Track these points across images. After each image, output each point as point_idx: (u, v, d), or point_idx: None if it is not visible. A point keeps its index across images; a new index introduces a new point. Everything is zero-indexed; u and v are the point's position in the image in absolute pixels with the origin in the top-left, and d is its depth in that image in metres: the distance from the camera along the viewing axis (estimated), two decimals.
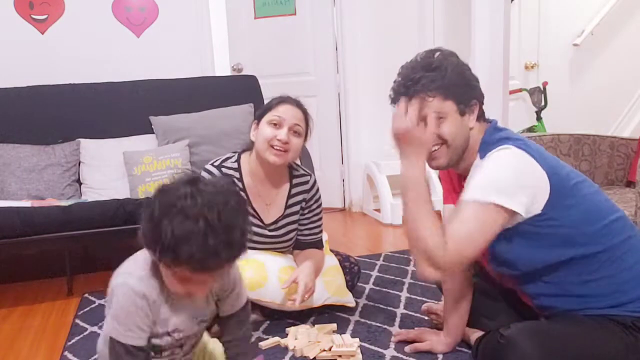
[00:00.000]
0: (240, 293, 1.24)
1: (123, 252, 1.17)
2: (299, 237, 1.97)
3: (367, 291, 2.16)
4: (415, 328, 1.74)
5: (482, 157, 1.32)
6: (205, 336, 1.36)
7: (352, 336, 1.73)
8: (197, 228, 0.93)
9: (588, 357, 1.23)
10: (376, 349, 1.65)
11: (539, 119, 4.03)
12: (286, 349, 1.69)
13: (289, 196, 1.92)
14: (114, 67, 3.15)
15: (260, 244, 1.89)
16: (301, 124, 1.81)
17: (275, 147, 1.76)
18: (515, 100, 4.02)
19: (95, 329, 1.91)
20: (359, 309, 1.98)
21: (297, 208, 1.93)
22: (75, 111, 2.83)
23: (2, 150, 2.60)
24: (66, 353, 1.74)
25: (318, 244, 1.99)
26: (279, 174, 1.89)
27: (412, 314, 1.91)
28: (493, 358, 1.29)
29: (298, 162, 2.03)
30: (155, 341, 1.11)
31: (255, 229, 1.87)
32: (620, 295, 1.27)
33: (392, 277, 2.32)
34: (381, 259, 2.59)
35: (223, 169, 1.84)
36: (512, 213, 1.23)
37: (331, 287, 1.90)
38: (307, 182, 1.95)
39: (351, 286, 2.02)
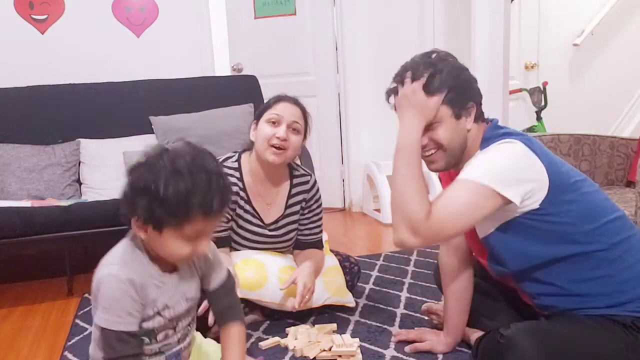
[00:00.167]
0: (220, 261, 1.26)
1: None
2: (299, 237, 1.97)
3: (367, 291, 2.16)
4: (415, 328, 1.74)
5: (483, 150, 1.33)
6: (199, 337, 1.36)
7: (352, 336, 1.73)
8: (198, 177, 1.00)
9: (588, 356, 1.23)
10: (376, 349, 1.65)
11: (539, 119, 4.03)
12: (286, 349, 1.69)
13: (289, 196, 1.92)
14: (114, 67, 3.15)
15: (260, 244, 1.89)
16: (300, 122, 1.81)
17: (274, 146, 1.76)
18: (515, 100, 4.02)
19: None
20: (359, 309, 1.98)
21: (297, 208, 1.93)
22: (75, 111, 2.83)
23: (2, 150, 2.60)
24: (66, 353, 1.74)
25: (318, 244, 1.99)
26: (279, 173, 1.89)
27: (412, 314, 1.91)
28: (493, 358, 1.29)
29: (298, 161, 2.03)
30: (147, 325, 1.11)
31: (255, 228, 1.87)
32: (620, 295, 1.27)
33: (392, 277, 2.32)
34: (381, 259, 2.59)
35: (223, 169, 1.84)
36: (506, 202, 1.23)
37: (331, 287, 1.90)
38: (307, 182, 1.95)
39: (351, 286, 2.02)
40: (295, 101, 1.84)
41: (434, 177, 3.07)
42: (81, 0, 3.17)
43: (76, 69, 3.08)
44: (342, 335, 1.72)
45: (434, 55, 1.36)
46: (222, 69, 3.73)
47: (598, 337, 1.24)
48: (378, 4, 3.62)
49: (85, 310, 2.09)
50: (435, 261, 1.74)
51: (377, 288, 2.20)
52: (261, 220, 1.88)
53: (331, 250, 2.09)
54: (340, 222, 3.58)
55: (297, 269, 1.83)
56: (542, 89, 4.00)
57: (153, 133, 2.87)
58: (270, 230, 1.90)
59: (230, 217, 1.84)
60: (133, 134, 2.85)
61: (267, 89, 3.05)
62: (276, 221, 1.90)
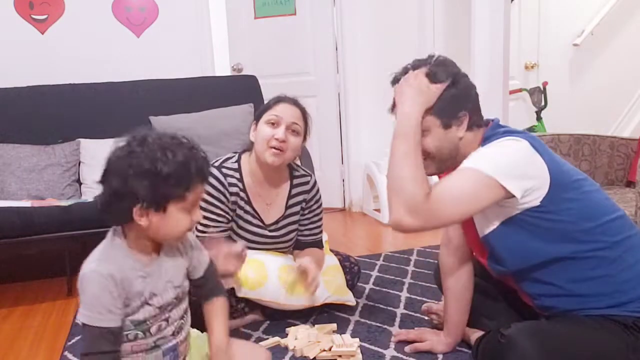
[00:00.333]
0: (201, 246, 1.28)
1: None
2: (299, 237, 1.97)
3: (367, 291, 2.16)
4: (415, 328, 1.74)
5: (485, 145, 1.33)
6: (196, 332, 1.35)
7: (352, 336, 1.73)
8: (185, 149, 1.07)
9: (588, 356, 1.23)
10: (376, 349, 1.65)
11: (539, 119, 4.03)
12: (286, 349, 1.69)
13: (289, 196, 1.92)
14: (114, 67, 3.15)
15: (260, 244, 1.89)
16: (299, 123, 1.81)
17: (273, 147, 1.76)
18: (515, 100, 4.02)
19: None
20: (359, 309, 1.98)
21: (297, 208, 1.93)
22: (75, 111, 2.83)
23: (2, 150, 2.60)
24: (66, 353, 1.74)
25: (318, 244, 1.99)
26: (279, 174, 1.89)
27: (412, 314, 1.91)
28: (493, 358, 1.29)
29: (298, 162, 2.03)
30: (138, 317, 1.11)
31: (255, 229, 1.87)
32: (620, 295, 1.27)
33: (392, 277, 2.32)
34: (381, 259, 2.59)
35: (223, 169, 1.84)
36: (507, 196, 1.23)
37: (331, 286, 1.90)
38: (307, 183, 1.95)
39: (351, 286, 2.02)
40: (295, 102, 1.84)
41: (434, 177, 3.07)
42: (81, 0, 3.17)
43: (76, 69, 3.08)
44: (342, 335, 1.72)
45: (434, 58, 1.37)
46: (222, 69, 3.73)
47: (598, 337, 1.24)
48: (378, 4, 3.62)
49: None
50: (435, 261, 1.74)
51: (377, 288, 2.20)
52: (261, 220, 1.88)
53: (331, 250, 2.09)
54: (340, 222, 3.58)
55: (298, 259, 1.84)
56: (542, 89, 4.00)
57: None
58: (270, 230, 1.90)
59: (230, 218, 1.84)
60: None
61: (267, 89, 3.05)
62: (276, 222, 1.90)
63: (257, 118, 1.84)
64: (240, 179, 1.85)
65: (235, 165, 1.86)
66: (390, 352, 1.63)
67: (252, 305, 1.84)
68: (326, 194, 2.22)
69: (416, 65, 1.37)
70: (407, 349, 1.62)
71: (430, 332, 1.67)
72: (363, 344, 1.68)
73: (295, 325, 1.84)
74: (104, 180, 1.06)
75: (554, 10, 4.16)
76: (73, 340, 1.83)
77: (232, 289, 1.78)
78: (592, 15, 4.22)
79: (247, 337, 1.78)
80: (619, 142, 2.66)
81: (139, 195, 1.03)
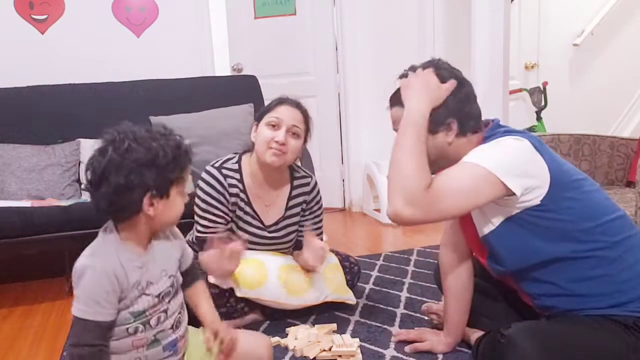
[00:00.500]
0: (183, 238, 1.33)
1: None
2: (299, 238, 1.96)
3: (367, 291, 2.16)
4: (415, 328, 1.74)
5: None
6: (194, 329, 1.36)
7: (352, 336, 1.73)
8: (168, 135, 1.14)
9: (588, 356, 1.23)
10: (376, 349, 1.65)
11: (539, 119, 4.03)
12: (286, 349, 1.69)
13: (290, 198, 1.91)
14: (114, 67, 3.15)
15: (260, 245, 1.89)
16: (300, 125, 1.80)
17: (273, 149, 1.76)
18: (515, 100, 4.02)
19: None
20: (359, 309, 1.98)
21: (297, 210, 1.93)
22: (75, 111, 2.83)
23: (2, 150, 2.60)
24: (66, 353, 1.74)
25: None
26: (279, 175, 1.89)
27: (412, 314, 1.91)
28: (493, 358, 1.29)
29: (298, 162, 2.03)
30: (137, 307, 1.14)
31: (255, 230, 1.87)
32: (620, 295, 1.27)
33: (392, 277, 2.32)
34: (381, 259, 2.59)
35: (223, 170, 1.84)
36: (506, 193, 1.23)
37: (332, 285, 1.90)
38: (307, 184, 1.95)
39: (351, 286, 2.02)
40: (297, 104, 1.83)
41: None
42: (81, 0, 3.17)
43: (76, 69, 3.08)
44: (342, 335, 1.72)
45: (439, 61, 1.38)
46: (222, 69, 3.73)
47: (599, 337, 1.24)
48: (378, 4, 3.62)
49: None
50: (435, 261, 1.74)
51: (377, 288, 2.20)
52: (261, 222, 1.88)
53: (331, 250, 2.09)
54: (340, 222, 3.58)
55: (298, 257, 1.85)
56: (542, 89, 4.00)
57: None
58: (270, 232, 1.90)
59: (230, 219, 1.84)
60: None
61: (267, 89, 3.05)
62: (276, 223, 1.90)
63: (258, 119, 1.84)
64: (241, 180, 1.84)
65: (236, 166, 1.86)
66: (390, 352, 1.63)
67: (252, 305, 1.84)
68: (326, 194, 2.22)
69: (424, 66, 1.37)
70: (407, 349, 1.62)
71: (430, 332, 1.67)
72: (363, 344, 1.68)
73: (295, 325, 1.84)
74: (101, 181, 1.08)
75: (554, 10, 4.16)
76: None
77: (232, 289, 1.78)
78: (592, 15, 4.22)
79: None
80: (619, 142, 2.66)
81: (149, 185, 1.09)
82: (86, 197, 2.62)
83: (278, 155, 1.76)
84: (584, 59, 4.28)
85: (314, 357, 1.62)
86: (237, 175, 1.84)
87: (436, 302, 1.89)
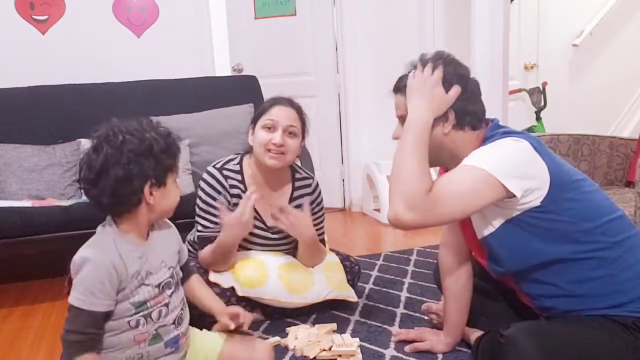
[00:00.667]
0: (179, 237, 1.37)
1: None
2: None
3: (367, 291, 2.16)
4: (415, 328, 1.75)
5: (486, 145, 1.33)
6: (195, 330, 1.36)
7: (352, 336, 1.73)
8: (160, 126, 1.20)
9: (588, 356, 1.23)
10: (376, 349, 1.66)
11: (538, 119, 4.04)
12: (286, 348, 1.69)
13: (292, 199, 1.92)
14: (114, 68, 3.15)
15: (262, 246, 1.90)
16: (295, 124, 1.80)
17: (271, 151, 1.76)
18: (514, 100, 4.02)
19: None
20: (359, 308, 1.98)
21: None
22: (76, 111, 2.83)
23: (3, 150, 2.60)
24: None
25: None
26: (280, 177, 1.89)
27: (412, 314, 1.92)
28: (493, 358, 1.29)
29: (299, 163, 2.03)
30: (137, 298, 1.16)
31: (258, 231, 1.88)
32: (620, 296, 1.27)
33: (392, 277, 2.32)
34: (381, 259, 2.60)
35: (224, 171, 1.84)
36: (507, 195, 1.24)
37: (333, 282, 1.91)
38: (309, 185, 1.95)
39: (351, 285, 2.02)
40: (290, 103, 1.83)
41: (434, 175, 3.07)
42: (82, 1, 3.17)
43: (77, 69, 3.08)
44: (342, 335, 1.72)
45: (447, 55, 1.37)
46: (222, 69, 3.72)
47: (598, 337, 1.24)
48: (378, 4, 3.62)
49: None
50: (435, 261, 1.74)
51: (377, 288, 2.20)
52: (264, 223, 1.88)
53: (331, 250, 2.09)
54: (340, 222, 3.58)
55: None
56: (541, 89, 4.01)
57: None
58: (272, 232, 1.90)
59: None
60: None
61: (267, 89, 3.05)
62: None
63: (253, 121, 1.84)
64: (242, 181, 1.85)
65: (237, 167, 1.86)
66: (390, 351, 1.63)
67: (252, 304, 1.84)
68: (326, 194, 2.22)
69: (425, 61, 1.35)
70: (407, 348, 1.62)
71: (430, 331, 1.67)
72: (363, 343, 1.68)
73: (295, 325, 1.84)
74: (100, 176, 1.11)
75: (554, 10, 4.16)
76: None
77: (233, 288, 1.79)
78: (592, 16, 4.23)
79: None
80: (618, 142, 2.66)
81: (148, 174, 1.13)
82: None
83: (277, 157, 1.76)
84: (583, 59, 4.28)
85: (314, 357, 1.62)
86: (239, 177, 1.85)
87: (436, 302, 1.90)
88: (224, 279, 1.79)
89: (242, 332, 1.41)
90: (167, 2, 3.34)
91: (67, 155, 2.68)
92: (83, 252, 1.14)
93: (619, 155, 2.65)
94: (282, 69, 3.78)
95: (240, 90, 3.11)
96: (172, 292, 1.24)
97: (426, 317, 1.84)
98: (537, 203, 1.26)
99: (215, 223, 1.80)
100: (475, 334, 1.52)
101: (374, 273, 2.38)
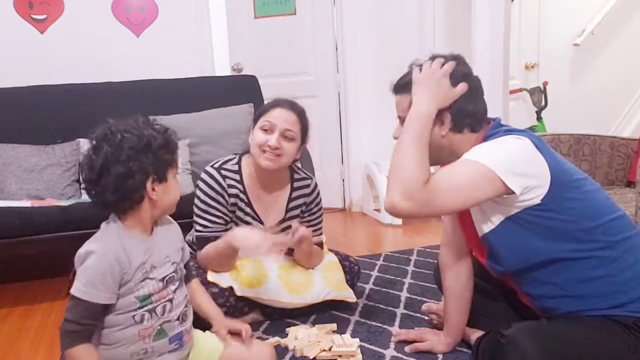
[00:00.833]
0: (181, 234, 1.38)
1: None
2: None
3: (367, 291, 2.16)
4: (415, 328, 1.74)
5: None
6: (198, 332, 1.36)
7: (352, 336, 1.73)
8: (156, 123, 1.22)
9: (589, 356, 1.22)
10: (376, 349, 1.65)
11: (539, 118, 4.03)
12: (286, 349, 1.69)
13: (290, 199, 1.91)
14: (113, 67, 3.15)
15: None
16: (293, 129, 1.78)
17: (266, 152, 1.75)
18: (515, 100, 4.02)
19: None
20: (359, 309, 1.97)
21: (297, 212, 1.93)
22: (75, 111, 2.83)
23: (2, 150, 2.60)
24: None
25: (318, 246, 1.98)
26: (278, 177, 1.89)
27: (412, 314, 1.91)
28: (493, 358, 1.29)
29: (299, 163, 2.02)
30: (142, 292, 1.17)
31: None
32: (621, 296, 1.27)
33: (392, 277, 2.31)
34: (381, 259, 2.59)
35: (223, 171, 1.83)
36: (505, 192, 1.23)
37: (331, 282, 1.90)
38: (308, 186, 1.94)
39: (351, 286, 2.02)
40: (292, 106, 1.81)
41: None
42: (81, 0, 3.17)
43: (76, 68, 3.08)
44: (342, 335, 1.72)
45: (456, 56, 1.37)
46: (222, 69, 3.73)
47: (599, 338, 1.23)
48: (378, 4, 3.62)
49: None
50: (435, 261, 1.74)
51: (377, 288, 2.19)
52: (261, 223, 1.88)
53: (330, 250, 2.09)
54: (340, 222, 3.58)
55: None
56: (542, 88, 4.00)
57: None
58: (271, 233, 1.89)
59: (229, 219, 1.84)
60: None
61: (267, 89, 3.05)
62: (276, 225, 1.90)
63: (254, 121, 1.84)
64: (241, 181, 1.84)
65: (236, 167, 1.85)
66: (390, 352, 1.63)
67: (251, 304, 1.84)
68: (326, 194, 2.22)
69: (437, 57, 1.35)
70: (407, 349, 1.62)
71: (430, 332, 1.67)
72: (363, 344, 1.68)
73: (295, 325, 1.84)
74: (101, 174, 1.12)
75: (554, 10, 4.16)
76: None
77: (232, 288, 1.78)
78: (593, 15, 4.22)
79: None
80: (619, 142, 2.66)
81: (148, 170, 1.14)
82: (86, 197, 2.61)
83: (272, 159, 1.76)
84: (584, 58, 4.28)
85: (314, 357, 1.62)
86: (237, 177, 1.84)
87: (436, 302, 1.89)
88: (222, 279, 1.79)
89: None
90: (167, 2, 3.34)
91: (67, 155, 2.68)
92: (88, 246, 1.16)
93: (619, 155, 2.65)
94: (282, 68, 3.78)
95: (240, 90, 3.11)
96: (176, 288, 1.25)
97: (426, 318, 1.83)
98: (538, 201, 1.25)
99: (214, 222, 1.80)
100: (475, 334, 1.51)
101: (374, 273, 2.38)
